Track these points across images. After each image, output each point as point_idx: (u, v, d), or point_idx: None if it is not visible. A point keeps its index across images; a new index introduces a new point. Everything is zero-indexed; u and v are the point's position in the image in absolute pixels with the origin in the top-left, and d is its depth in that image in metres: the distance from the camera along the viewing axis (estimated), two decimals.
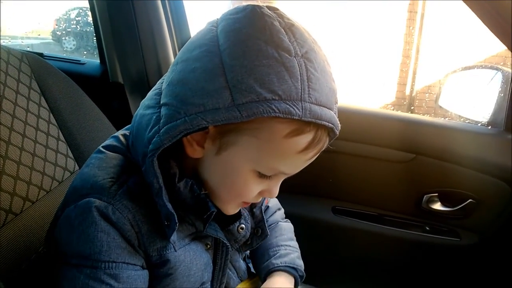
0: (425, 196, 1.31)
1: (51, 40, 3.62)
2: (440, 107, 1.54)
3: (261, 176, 0.57)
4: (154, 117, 0.54)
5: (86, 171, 0.61)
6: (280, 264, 0.80)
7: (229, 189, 0.60)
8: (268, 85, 0.48)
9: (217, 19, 0.56)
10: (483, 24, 1.06)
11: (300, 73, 0.50)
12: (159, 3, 1.39)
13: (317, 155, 0.58)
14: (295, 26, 0.53)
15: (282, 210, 0.93)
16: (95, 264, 0.55)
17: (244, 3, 0.55)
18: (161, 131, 0.51)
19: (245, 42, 0.50)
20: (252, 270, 0.86)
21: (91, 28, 1.62)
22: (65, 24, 3.55)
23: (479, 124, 1.35)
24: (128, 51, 1.42)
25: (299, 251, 0.86)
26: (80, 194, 0.57)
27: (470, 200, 1.27)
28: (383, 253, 1.35)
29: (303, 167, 0.59)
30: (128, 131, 0.65)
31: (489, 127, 1.30)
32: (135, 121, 0.59)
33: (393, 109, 3.90)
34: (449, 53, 4.36)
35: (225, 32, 0.52)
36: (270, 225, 0.88)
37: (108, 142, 0.66)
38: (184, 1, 1.49)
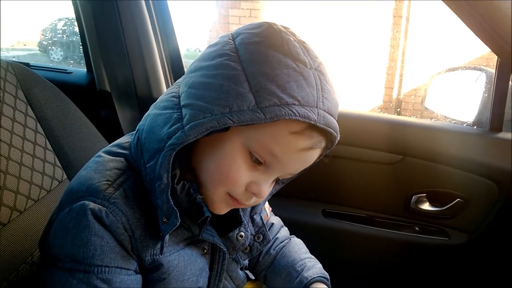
0: (413, 196, 1.32)
1: (38, 51, 3.60)
2: (426, 108, 1.56)
3: (252, 161, 0.58)
4: (175, 115, 0.56)
5: (83, 174, 0.61)
6: (314, 276, 0.81)
7: (217, 169, 0.59)
8: (289, 91, 0.53)
9: (231, 33, 0.60)
10: (466, 27, 1.08)
11: (315, 83, 0.55)
12: (145, 11, 1.39)
13: (311, 157, 0.59)
14: (306, 43, 0.59)
15: (286, 228, 0.94)
16: (88, 269, 0.55)
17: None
18: (186, 127, 0.53)
19: (265, 53, 0.55)
20: (251, 276, 0.86)
21: (78, 38, 1.62)
22: (51, 34, 3.53)
23: (465, 125, 1.36)
24: (114, 59, 1.42)
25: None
26: (76, 197, 0.57)
27: (458, 199, 1.29)
28: (374, 254, 1.36)
29: (296, 165, 0.60)
30: (130, 137, 0.67)
31: (475, 127, 1.32)
32: (147, 120, 0.61)
33: (380, 112, 3.94)
34: (434, 56, 4.43)
35: (244, 44, 0.56)
36: (282, 241, 0.89)
37: (108, 146, 0.67)
38: (170, 10, 1.49)
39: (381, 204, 1.38)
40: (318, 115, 0.54)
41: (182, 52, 1.57)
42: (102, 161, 0.62)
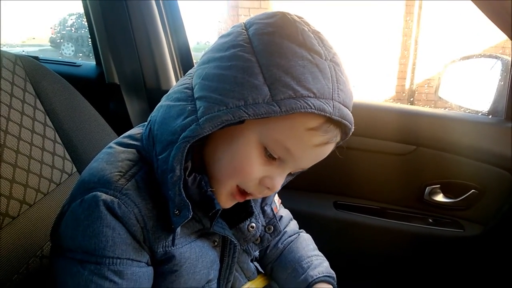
0: (427, 188, 1.30)
1: (50, 47, 3.63)
2: (440, 98, 1.53)
3: (266, 156, 0.57)
4: (189, 108, 0.55)
5: (95, 165, 0.61)
6: (320, 275, 0.80)
7: (231, 162, 0.58)
8: (304, 83, 0.52)
9: (243, 23, 0.60)
10: (481, 13, 1.05)
11: (330, 75, 0.55)
12: (154, 3, 1.39)
13: (325, 151, 0.59)
14: (320, 33, 0.58)
15: (295, 221, 0.93)
16: (99, 260, 0.55)
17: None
18: (201, 120, 0.53)
19: (279, 44, 0.54)
20: (260, 269, 0.86)
21: (87, 31, 1.62)
22: (61, 28, 3.55)
23: (480, 114, 1.34)
24: (123, 52, 1.42)
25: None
26: (87, 188, 0.57)
27: (472, 190, 1.27)
28: (387, 246, 1.34)
29: (310, 160, 0.59)
30: (142, 128, 0.66)
31: (490, 116, 1.29)
32: (159, 111, 0.60)
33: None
34: (448, 45, 4.36)
35: (258, 35, 0.55)
36: (291, 236, 0.88)
37: (120, 137, 0.67)
38: (179, 2, 1.48)
39: (393, 195, 1.36)
40: (333, 107, 0.53)
41: (192, 45, 1.56)
42: (114, 152, 0.62)
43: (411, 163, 1.30)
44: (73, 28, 3.54)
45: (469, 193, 1.27)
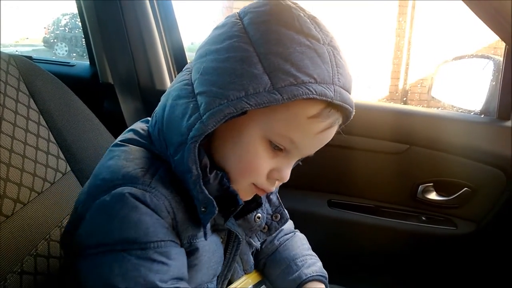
0: (420, 186, 1.31)
1: (43, 47, 3.60)
2: (433, 98, 1.55)
3: (272, 149, 0.58)
4: (191, 105, 0.55)
5: (112, 163, 0.60)
6: (313, 274, 0.81)
7: (240, 161, 0.59)
8: (304, 69, 0.52)
9: (237, 13, 0.59)
10: (473, 14, 1.06)
11: (329, 59, 0.54)
12: (147, 3, 1.39)
13: (329, 136, 0.59)
14: (316, 18, 0.58)
15: (290, 220, 0.94)
16: (143, 246, 0.54)
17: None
18: (204, 117, 0.53)
19: (276, 32, 0.54)
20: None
21: (81, 31, 1.61)
22: (56, 31, 3.53)
23: (472, 113, 1.35)
24: (117, 52, 1.42)
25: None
26: (111, 185, 0.56)
27: (465, 188, 1.28)
28: (380, 244, 1.35)
29: (315, 146, 0.60)
30: (145, 124, 0.66)
31: (482, 116, 1.30)
32: (165, 112, 0.60)
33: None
34: (440, 45, 4.38)
35: (254, 24, 0.55)
36: (287, 234, 0.89)
37: (127, 135, 0.66)
38: (172, 1, 1.48)
39: (387, 194, 1.37)
40: (334, 91, 0.53)
41: (187, 45, 1.56)
42: (130, 150, 0.62)
43: (404, 161, 1.31)
44: (66, 28, 3.52)
45: (461, 191, 1.28)
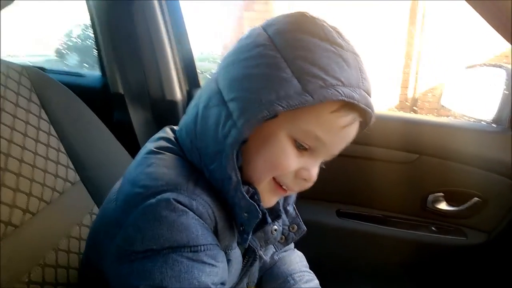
0: (430, 196, 1.30)
1: (55, 57, 3.65)
2: (443, 106, 1.53)
3: (298, 148, 0.58)
4: (224, 113, 0.56)
5: (153, 170, 0.60)
6: None
7: (266, 160, 0.59)
8: (332, 73, 0.54)
9: (261, 26, 0.61)
10: (485, 22, 1.05)
11: (354, 64, 0.57)
12: (158, 13, 1.40)
13: (352, 132, 0.60)
14: (337, 28, 0.60)
15: None
16: (194, 249, 0.54)
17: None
18: (238, 123, 0.54)
19: (302, 40, 0.56)
20: None
21: (92, 42, 1.63)
22: (68, 41, 3.57)
23: (483, 123, 1.33)
24: (128, 62, 1.43)
25: None
26: (155, 192, 0.56)
27: (476, 198, 1.26)
28: (389, 254, 1.34)
29: (339, 143, 0.60)
30: (169, 133, 0.67)
31: (494, 125, 1.29)
32: (197, 123, 0.61)
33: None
34: (451, 54, 4.35)
35: (280, 33, 0.57)
36: (286, 251, 0.91)
37: (161, 143, 0.65)
38: (183, 13, 1.49)
39: (397, 204, 1.35)
40: (360, 95, 0.55)
41: (196, 55, 1.57)
42: (168, 158, 0.62)
43: (414, 171, 1.30)
44: (78, 39, 3.57)
45: (472, 201, 1.26)
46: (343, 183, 1.36)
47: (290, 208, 0.75)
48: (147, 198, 0.55)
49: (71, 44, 3.48)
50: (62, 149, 0.93)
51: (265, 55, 0.56)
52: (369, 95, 0.58)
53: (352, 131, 0.60)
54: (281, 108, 0.53)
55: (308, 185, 0.63)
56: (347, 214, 1.38)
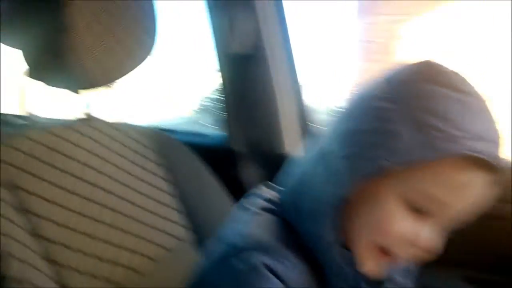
0: None
1: (190, 118, 3.94)
2: None
3: (409, 210, 0.53)
4: (331, 171, 0.55)
5: (242, 227, 0.60)
6: None
7: (367, 221, 0.55)
8: (455, 124, 0.49)
9: (379, 76, 0.57)
10: None
11: (481, 114, 0.52)
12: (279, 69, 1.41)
13: (473, 192, 0.53)
14: (459, 72, 0.55)
15: None
16: None
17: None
18: (343, 180, 0.52)
19: (422, 88, 0.51)
20: None
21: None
22: (204, 103, 3.84)
23: None
24: (249, 119, 1.47)
25: None
26: (243, 251, 0.56)
27: None
28: None
29: (458, 205, 0.53)
30: (271, 190, 0.66)
31: None
32: (303, 180, 0.60)
33: None
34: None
35: (398, 83, 0.54)
36: None
37: (255, 201, 0.65)
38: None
39: None
40: (486, 147, 0.49)
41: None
42: (259, 217, 0.61)
43: None
44: (212, 101, 3.84)
45: None
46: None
47: (398, 277, 0.66)
48: (232, 257, 0.55)
49: (202, 107, 3.75)
50: (179, 208, 0.96)
51: (378, 107, 0.52)
52: (496, 146, 0.51)
53: (477, 190, 0.52)
54: (388, 163, 0.49)
55: (426, 256, 0.56)
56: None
